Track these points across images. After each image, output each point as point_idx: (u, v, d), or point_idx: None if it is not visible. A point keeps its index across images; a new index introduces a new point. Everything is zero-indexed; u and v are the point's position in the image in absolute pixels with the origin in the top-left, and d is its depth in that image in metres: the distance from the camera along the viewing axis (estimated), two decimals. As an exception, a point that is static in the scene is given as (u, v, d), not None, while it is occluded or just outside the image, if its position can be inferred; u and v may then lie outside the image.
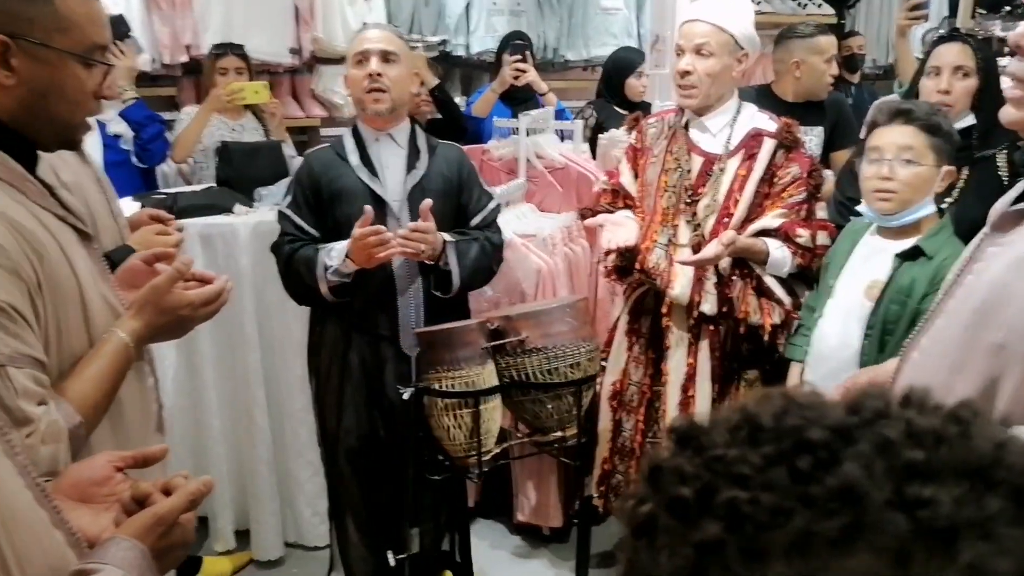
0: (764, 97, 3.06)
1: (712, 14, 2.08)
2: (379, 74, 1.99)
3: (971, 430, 0.43)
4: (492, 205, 2.21)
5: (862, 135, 1.94)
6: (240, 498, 2.67)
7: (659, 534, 0.44)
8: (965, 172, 2.07)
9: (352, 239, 1.91)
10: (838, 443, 0.42)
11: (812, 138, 3.09)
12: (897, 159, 1.77)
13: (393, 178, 2.09)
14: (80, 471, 0.91)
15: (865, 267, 1.87)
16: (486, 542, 2.75)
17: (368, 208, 1.92)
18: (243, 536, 2.70)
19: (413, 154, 2.12)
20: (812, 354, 1.95)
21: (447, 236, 2.05)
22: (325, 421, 2.21)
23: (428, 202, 1.96)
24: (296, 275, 2.06)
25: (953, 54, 2.15)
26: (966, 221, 1.91)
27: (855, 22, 5.20)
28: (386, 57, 2.02)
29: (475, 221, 2.16)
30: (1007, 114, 1.16)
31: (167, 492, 0.85)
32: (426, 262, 2.04)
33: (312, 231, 2.07)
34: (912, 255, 1.78)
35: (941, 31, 5.10)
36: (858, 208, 1.91)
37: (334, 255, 1.99)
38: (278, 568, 2.66)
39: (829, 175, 3.20)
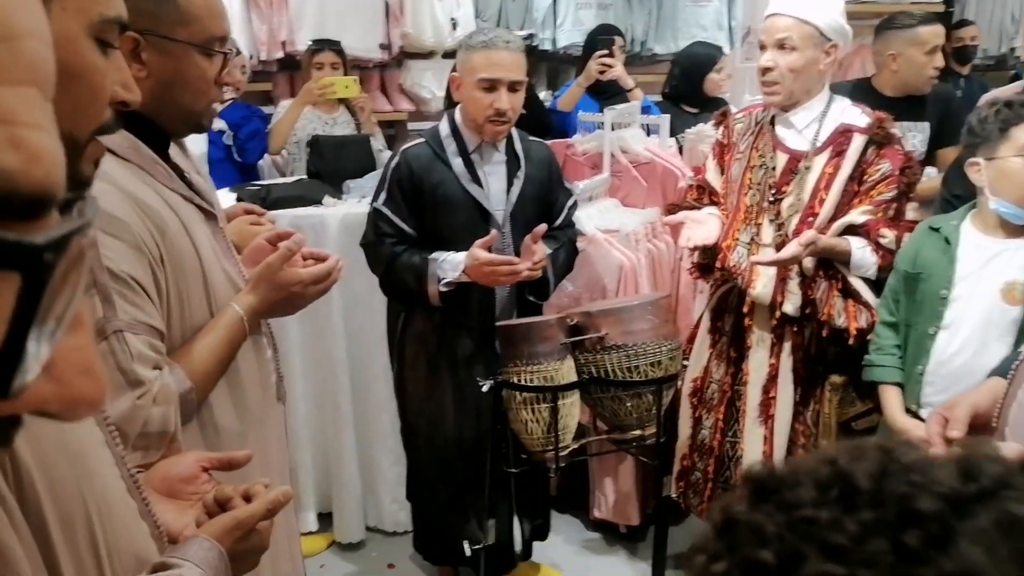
0: (862, 91, 2.92)
1: (794, 7, 2.00)
2: (507, 109, 1.96)
3: None
4: (571, 202, 2.24)
5: (981, 131, 1.77)
6: (324, 482, 2.75)
7: None
8: None
9: (476, 260, 1.93)
10: (952, 516, 0.36)
11: (916, 134, 2.93)
12: None
13: (496, 186, 2.09)
14: (170, 467, 0.95)
15: (989, 270, 1.75)
16: (561, 536, 2.75)
17: (494, 232, 1.97)
18: (325, 519, 2.78)
19: (512, 161, 2.11)
20: (933, 372, 1.80)
21: (546, 249, 2.08)
22: (408, 410, 2.24)
23: (543, 228, 1.99)
24: (399, 279, 2.06)
25: None
26: None
27: (965, 10, 4.92)
28: (513, 87, 1.97)
29: (559, 221, 2.20)
30: None
31: (247, 498, 0.88)
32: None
33: (411, 232, 2.06)
34: None
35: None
36: (1002, 208, 1.74)
37: (447, 267, 1.99)
38: (358, 551, 2.73)
39: (932, 172, 3.05)
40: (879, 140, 2.02)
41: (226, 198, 2.71)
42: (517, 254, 2.04)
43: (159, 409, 1.05)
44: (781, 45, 2.00)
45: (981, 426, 1.23)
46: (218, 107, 2.94)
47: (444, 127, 2.11)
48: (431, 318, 2.13)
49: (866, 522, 0.37)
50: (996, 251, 1.76)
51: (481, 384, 1.91)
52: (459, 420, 2.17)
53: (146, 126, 1.14)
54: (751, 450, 2.16)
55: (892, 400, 1.86)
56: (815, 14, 1.99)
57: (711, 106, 3.47)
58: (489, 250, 1.96)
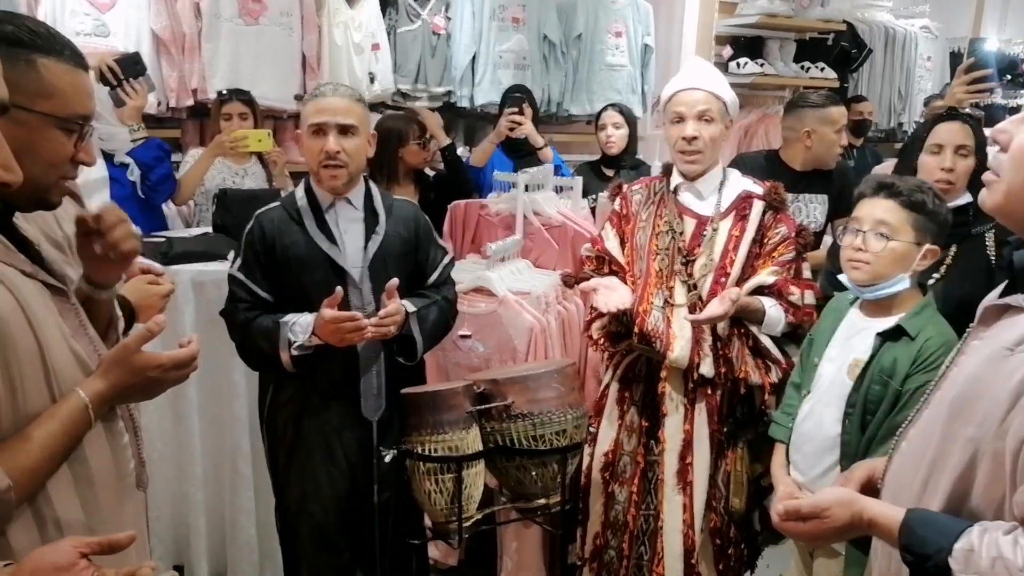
0: (771, 163, 3.06)
1: (707, 82, 2.12)
2: (336, 151, 1.93)
3: None
4: (446, 260, 2.19)
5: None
6: (218, 547, 2.63)
7: None
8: (953, 249, 2.07)
9: (322, 320, 1.86)
10: None
11: (817, 206, 3.09)
12: (872, 232, 1.76)
13: (352, 244, 2.02)
14: (42, 556, 0.89)
15: (848, 345, 1.85)
16: (468, 603, 2.70)
17: (339, 289, 1.88)
18: (220, 587, 2.65)
19: (371, 217, 2.05)
20: (796, 432, 1.92)
21: (409, 306, 2.01)
22: (279, 484, 2.13)
23: (395, 282, 1.93)
24: (254, 346, 1.99)
25: (954, 133, 2.16)
26: (952, 298, 1.90)
27: (858, 87, 5.26)
28: (344, 130, 1.94)
29: (432, 279, 2.14)
30: (983, 198, 1.16)
31: None
32: None
33: (266, 296, 2.01)
34: (895, 335, 1.75)
35: (940, 101, 5.16)
36: (840, 278, 1.89)
37: (298, 330, 1.93)
38: (254, 622, 2.61)
39: (828, 243, 3.21)
40: (776, 206, 2.14)
41: (125, 250, 2.61)
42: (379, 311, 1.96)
43: None
44: (701, 116, 2.09)
45: (873, 486, 1.33)
46: (115, 145, 2.84)
47: (299, 190, 2.07)
48: (299, 386, 2.04)
49: None
50: (858, 327, 1.85)
51: (384, 454, 1.87)
52: (334, 492, 2.06)
53: None
54: (671, 519, 2.16)
55: (777, 457, 1.97)
56: (723, 91, 2.13)
57: (626, 165, 3.58)
58: (344, 307, 1.90)
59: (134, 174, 2.93)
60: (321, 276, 1.95)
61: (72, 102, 1.11)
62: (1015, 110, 5.96)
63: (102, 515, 1.15)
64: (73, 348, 1.14)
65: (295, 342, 1.92)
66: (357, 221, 2.04)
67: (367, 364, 2.03)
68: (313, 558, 2.12)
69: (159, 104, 3.47)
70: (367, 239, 2.02)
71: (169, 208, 3.26)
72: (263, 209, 2.07)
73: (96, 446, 1.15)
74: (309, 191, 2.04)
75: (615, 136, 3.61)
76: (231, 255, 2.61)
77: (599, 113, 3.74)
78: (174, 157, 3.42)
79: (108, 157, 2.87)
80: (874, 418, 1.73)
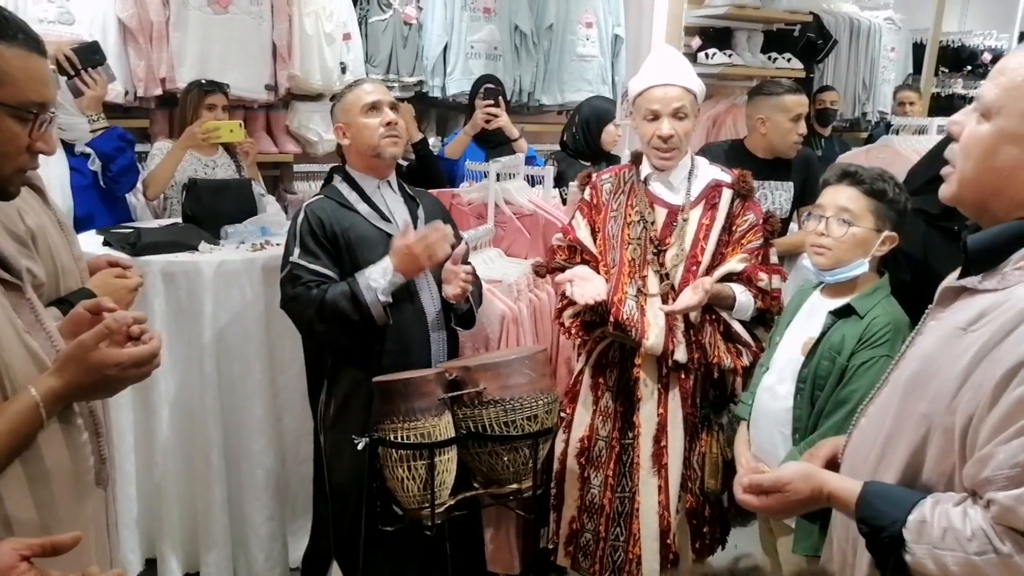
0: (736, 151, 3.11)
1: (679, 77, 2.13)
2: (396, 122, 2.15)
3: None
4: (464, 246, 2.33)
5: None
6: (191, 540, 2.61)
7: None
8: None
9: (405, 246, 2.01)
10: None
11: (782, 193, 3.14)
12: (835, 218, 1.81)
13: (402, 220, 2.18)
14: None
15: (806, 324, 1.91)
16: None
17: (407, 220, 2.10)
18: (193, 580, 2.65)
19: (409, 199, 2.25)
20: (755, 408, 1.97)
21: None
22: (336, 469, 2.16)
23: (463, 247, 2.10)
24: (336, 311, 2.02)
25: None
26: None
27: (823, 77, 5.33)
28: (393, 107, 2.18)
29: None
30: (942, 192, 1.19)
31: None
32: (451, 301, 2.16)
33: (332, 275, 2.08)
34: (844, 313, 1.81)
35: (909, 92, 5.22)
36: (803, 262, 1.95)
37: (376, 276, 2.03)
38: (228, 613, 2.60)
39: (795, 229, 3.27)
40: (744, 194, 2.18)
41: (92, 241, 2.58)
42: (437, 285, 2.17)
43: None
44: (677, 114, 2.10)
45: (837, 463, 1.38)
46: (75, 133, 2.80)
47: (337, 180, 2.20)
48: (365, 369, 2.08)
49: None
50: (817, 307, 1.91)
51: (356, 442, 1.88)
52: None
53: None
54: (647, 501, 2.20)
55: (740, 434, 2.02)
56: (693, 83, 2.14)
57: (605, 160, 3.60)
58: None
59: (95, 164, 2.89)
60: (385, 250, 2.08)
61: (26, 89, 1.07)
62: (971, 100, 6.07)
63: (58, 514, 1.13)
64: (27, 344, 1.10)
65: (378, 288, 2.02)
66: (400, 203, 2.23)
67: (436, 328, 2.18)
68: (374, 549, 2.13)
69: (127, 94, 3.43)
70: (414, 217, 2.21)
71: (138, 200, 3.23)
72: (310, 201, 2.19)
73: (52, 444, 1.12)
74: (348, 179, 2.18)
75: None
76: (203, 245, 2.61)
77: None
78: (142, 147, 3.40)
79: (68, 147, 2.84)
80: (823, 393, 1.79)
